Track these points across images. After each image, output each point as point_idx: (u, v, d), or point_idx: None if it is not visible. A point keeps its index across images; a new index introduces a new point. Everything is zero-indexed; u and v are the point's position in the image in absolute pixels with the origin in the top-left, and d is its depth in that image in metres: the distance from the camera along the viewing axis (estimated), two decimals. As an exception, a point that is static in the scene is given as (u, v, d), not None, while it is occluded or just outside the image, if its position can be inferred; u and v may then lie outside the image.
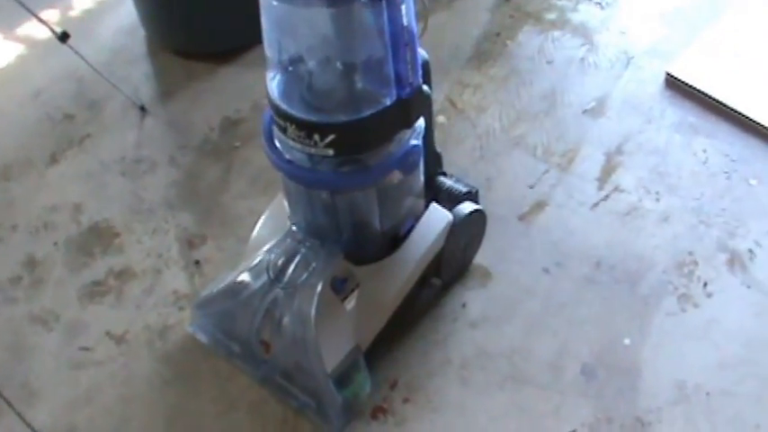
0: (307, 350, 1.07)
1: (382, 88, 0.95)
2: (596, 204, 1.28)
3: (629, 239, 1.24)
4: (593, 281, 1.20)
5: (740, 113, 1.36)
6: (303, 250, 1.08)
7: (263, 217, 1.20)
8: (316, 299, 1.06)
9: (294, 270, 1.07)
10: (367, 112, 0.94)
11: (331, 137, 0.94)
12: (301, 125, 0.94)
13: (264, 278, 1.08)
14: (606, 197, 1.28)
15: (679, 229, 1.25)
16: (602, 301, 1.18)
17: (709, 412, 1.07)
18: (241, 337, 1.14)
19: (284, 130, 0.96)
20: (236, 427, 1.10)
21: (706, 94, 1.39)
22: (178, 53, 1.56)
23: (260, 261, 1.09)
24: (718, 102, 1.38)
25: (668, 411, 1.07)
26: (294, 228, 1.10)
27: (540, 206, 1.28)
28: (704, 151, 1.32)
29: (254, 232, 1.19)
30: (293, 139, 0.96)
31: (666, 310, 1.16)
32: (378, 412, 1.10)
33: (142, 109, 1.47)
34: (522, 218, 1.27)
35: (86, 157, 1.42)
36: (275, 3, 0.90)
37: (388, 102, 0.94)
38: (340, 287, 1.10)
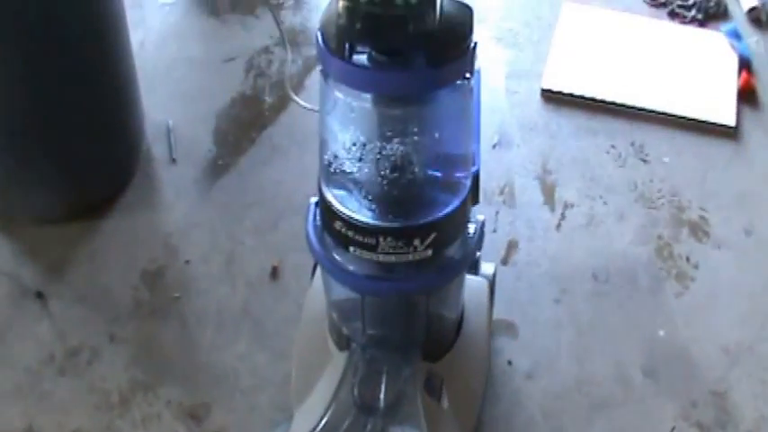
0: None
1: (464, 170, 0.91)
2: (559, 225, 1.33)
3: (604, 245, 1.31)
4: (600, 294, 1.25)
5: (621, 105, 1.50)
6: (385, 367, 1.01)
7: (296, 364, 1.11)
8: (422, 410, 1.00)
9: (386, 392, 1.00)
10: (458, 200, 0.90)
11: (432, 236, 0.88)
12: (399, 234, 0.87)
13: (352, 415, 1.00)
14: (563, 216, 1.34)
15: (637, 221, 1.34)
16: (618, 307, 1.23)
17: (760, 361, 1.18)
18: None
19: (373, 248, 0.89)
20: None
21: (585, 97, 1.50)
22: (40, 221, 1.36)
23: (337, 401, 1.00)
24: (598, 101, 1.50)
25: (732, 375, 1.16)
26: (356, 347, 1.02)
27: (513, 246, 1.30)
28: (613, 147, 1.43)
29: (296, 377, 1.09)
30: (386, 253, 0.89)
31: (673, 291, 1.25)
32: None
33: (39, 295, 1.26)
34: (504, 262, 1.28)
35: (4, 370, 1.19)
36: (351, 103, 0.82)
37: (468, 182, 0.92)
38: (431, 389, 1.04)
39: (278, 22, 1.62)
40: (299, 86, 1.54)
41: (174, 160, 1.41)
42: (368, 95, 0.81)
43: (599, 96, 1.51)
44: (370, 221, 0.87)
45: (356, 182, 0.88)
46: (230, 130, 1.46)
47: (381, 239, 0.88)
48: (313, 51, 1.58)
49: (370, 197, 0.88)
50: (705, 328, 1.22)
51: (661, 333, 1.21)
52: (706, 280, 1.27)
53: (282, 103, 1.50)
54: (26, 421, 1.13)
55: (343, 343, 1.04)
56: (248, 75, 1.55)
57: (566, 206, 1.36)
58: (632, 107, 1.49)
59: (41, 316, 1.24)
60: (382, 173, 0.87)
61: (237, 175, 1.40)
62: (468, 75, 0.83)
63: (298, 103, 1.50)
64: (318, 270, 1.14)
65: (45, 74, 1.17)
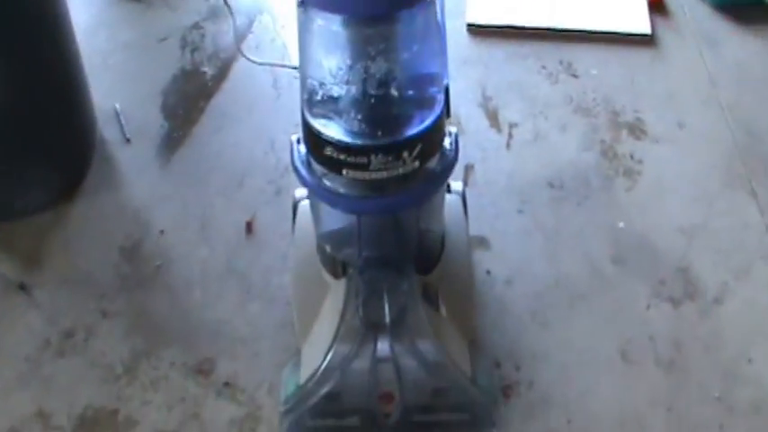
0: (444, 370, 1.06)
1: (437, 84, 0.97)
2: (508, 144, 1.41)
3: (553, 156, 1.39)
4: (558, 199, 1.33)
5: (544, 28, 1.59)
6: (384, 285, 1.06)
7: (295, 302, 1.15)
8: (427, 316, 1.06)
9: (390, 307, 1.05)
10: (437, 113, 0.96)
11: (418, 148, 0.94)
12: (389, 149, 0.93)
13: (360, 335, 1.05)
14: (510, 135, 1.42)
15: (579, 130, 1.43)
16: (577, 209, 1.32)
17: (713, 235, 1.29)
18: (358, 407, 1.07)
19: (365, 167, 0.94)
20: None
21: (509, 26, 1.59)
22: (6, 217, 1.36)
23: (345, 325, 1.04)
24: (521, 28, 1.59)
25: (691, 252, 1.26)
26: (353, 272, 1.07)
27: (469, 168, 1.37)
28: (544, 67, 1.52)
29: (297, 314, 1.14)
30: (378, 170, 0.94)
31: (624, 187, 1.35)
32: (508, 390, 1.13)
33: (22, 287, 1.27)
34: (465, 183, 1.34)
35: (3, 363, 1.20)
36: (333, 28, 0.87)
37: (442, 96, 0.98)
38: (429, 300, 1.10)
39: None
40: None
41: (128, 140, 1.43)
42: (348, 17, 0.87)
43: (522, 24, 1.60)
44: (362, 141, 0.93)
45: (345, 105, 0.93)
46: (178, 104, 1.49)
47: (373, 157, 0.93)
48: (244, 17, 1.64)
49: (359, 117, 0.93)
50: (659, 214, 1.31)
51: (621, 225, 1.30)
52: (651, 172, 1.36)
53: (223, 72, 1.54)
54: (35, 406, 1.14)
55: (338, 271, 1.10)
56: (184, 51, 1.58)
57: (511, 126, 1.44)
58: (555, 29, 1.59)
59: (28, 306, 1.25)
60: (370, 91, 0.92)
61: (193, 145, 1.43)
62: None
63: (253, 61, 1.56)
64: (300, 212, 1.20)
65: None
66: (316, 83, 0.94)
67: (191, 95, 1.50)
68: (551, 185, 1.35)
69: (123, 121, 1.45)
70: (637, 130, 1.42)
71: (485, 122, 1.44)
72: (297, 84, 1.48)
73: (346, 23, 0.88)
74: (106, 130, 1.44)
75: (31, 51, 1.21)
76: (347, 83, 0.92)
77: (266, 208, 1.33)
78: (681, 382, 1.13)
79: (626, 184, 1.35)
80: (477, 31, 1.59)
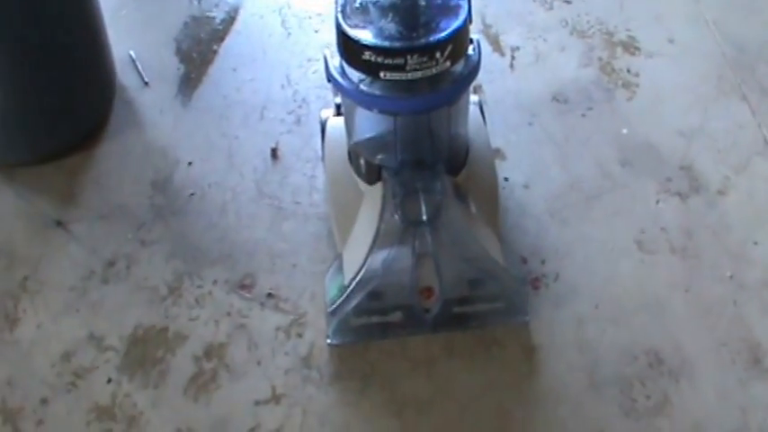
0: (481, 260, 1.13)
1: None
2: (511, 65, 1.48)
3: (555, 74, 1.47)
4: (564, 111, 1.41)
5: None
6: (419, 184, 1.13)
7: (333, 211, 1.22)
8: (460, 212, 1.13)
9: (426, 204, 1.12)
10: (463, 17, 1.03)
11: (449, 48, 1.02)
12: (424, 50, 1.00)
13: (399, 233, 1.11)
14: (513, 57, 1.50)
15: (577, 50, 1.51)
16: (582, 119, 1.40)
17: (711, 135, 1.37)
18: (400, 303, 1.14)
19: (401, 68, 1.01)
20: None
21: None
22: (37, 161, 1.40)
23: (384, 225, 1.11)
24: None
25: (692, 151, 1.35)
26: (388, 175, 1.14)
27: (478, 88, 1.44)
28: (538, -5, 1.61)
29: (336, 222, 1.20)
30: (413, 70, 1.01)
31: (624, 97, 1.43)
32: (536, 282, 1.21)
33: (59, 224, 1.32)
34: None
35: (45, 295, 1.25)
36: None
37: (465, 0, 1.05)
38: (460, 197, 1.17)
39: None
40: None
41: (146, 83, 1.48)
42: None
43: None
44: (399, 44, 1.00)
45: (381, 9, 1.02)
46: (192, 48, 1.54)
47: (409, 58, 1.00)
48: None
49: (396, 19, 1.01)
50: (659, 120, 1.39)
51: (624, 131, 1.38)
52: (648, 83, 1.45)
53: (232, 17, 1.60)
54: (86, 330, 1.20)
55: (373, 177, 1.16)
56: (192, 0, 1.64)
57: (513, 50, 1.51)
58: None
59: (68, 240, 1.30)
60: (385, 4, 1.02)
61: (211, 84, 1.49)
62: None
63: None
64: (329, 129, 1.26)
65: (25, 19, 1.23)
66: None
67: (203, 40, 1.55)
68: (556, 100, 1.42)
69: (140, 67, 1.50)
70: (630, 47, 1.51)
71: (488, 47, 1.51)
72: (305, 23, 1.57)
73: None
74: (124, 77, 1.49)
75: (53, 4, 1.27)
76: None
77: (288, 136, 1.39)
78: (694, 265, 1.22)
79: (626, 95, 1.43)
80: (471, -35, 1.66)
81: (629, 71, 1.46)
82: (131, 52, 1.52)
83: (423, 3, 1.04)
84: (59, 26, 1.28)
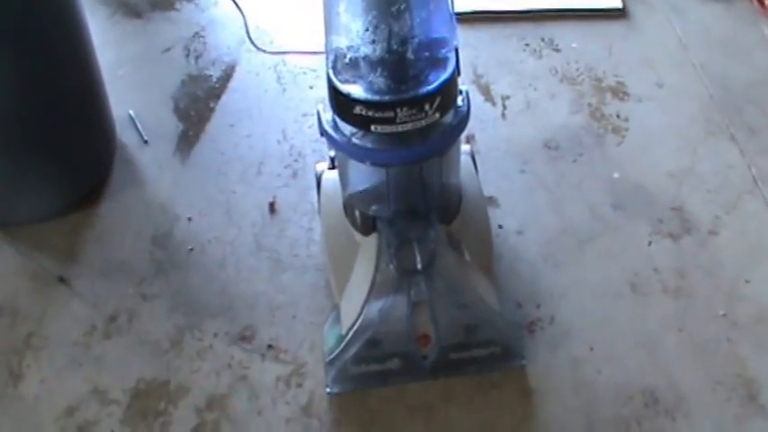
0: (476, 307, 1.15)
1: (449, 42, 1.08)
2: (503, 114, 1.52)
3: (546, 121, 1.51)
4: (555, 158, 1.44)
5: (524, 11, 1.71)
6: (413, 233, 1.15)
7: (329, 263, 1.24)
8: (454, 259, 1.15)
9: (420, 254, 1.14)
10: (452, 69, 1.06)
11: (438, 101, 1.04)
12: (413, 102, 1.03)
13: (395, 282, 1.13)
14: (504, 106, 1.53)
15: (567, 97, 1.55)
16: (573, 165, 1.44)
17: (700, 177, 1.40)
18: (398, 350, 1.16)
19: (391, 120, 1.03)
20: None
21: (491, 11, 1.71)
22: (40, 220, 1.43)
23: (380, 274, 1.13)
24: (502, 12, 1.71)
25: (682, 192, 1.37)
26: (383, 225, 1.16)
27: (471, 138, 1.48)
28: (527, 45, 1.64)
29: (333, 273, 1.22)
30: (403, 122, 1.04)
31: (614, 142, 1.46)
32: (532, 326, 1.23)
33: (61, 280, 1.34)
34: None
35: (49, 351, 1.27)
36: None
37: (453, 53, 1.08)
38: (453, 245, 1.19)
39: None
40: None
41: (146, 142, 1.52)
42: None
43: (502, 8, 1.72)
44: (388, 97, 1.03)
45: (371, 64, 1.04)
46: (189, 106, 1.58)
47: (399, 110, 1.03)
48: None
49: (385, 74, 1.03)
50: (649, 163, 1.42)
51: (615, 175, 1.40)
52: (638, 128, 1.48)
53: (228, 74, 1.64)
54: (90, 385, 1.21)
55: (368, 228, 1.18)
56: (188, 58, 1.67)
57: (503, 98, 1.55)
58: (534, 11, 1.71)
59: (70, 296, 1.32)
60: (394, 47, 1.02)
61: (209, 140, 1.52)
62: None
63: (268, 51, 1.70)
64: (324, 182, 1.29)
65: (30, 83, 1.27)
66: (343, 48, 1.04)
67: (200, 97, 1.59)
68: (548, 147, 1.45)
69: (140, 126, 1.53)
70: (619, 92, 1.54)
71: (479, 97, 1.55)
72: (300, 79, 1.61)
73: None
74: (123, 136, 1.53)
75: (55, 65, 1.30)
76: (373, 42, 1.03)
77: (285, 189, 1.42)
78: (687, 305, 1.23)
79: (616, 140, 1.46)
80: (461, 18, 1.69)
81: (618, 116, 1.49)
82: (131, 111, 1.56)
83: (411, 56, 1.06)
84: (59, 87, 1.32)
